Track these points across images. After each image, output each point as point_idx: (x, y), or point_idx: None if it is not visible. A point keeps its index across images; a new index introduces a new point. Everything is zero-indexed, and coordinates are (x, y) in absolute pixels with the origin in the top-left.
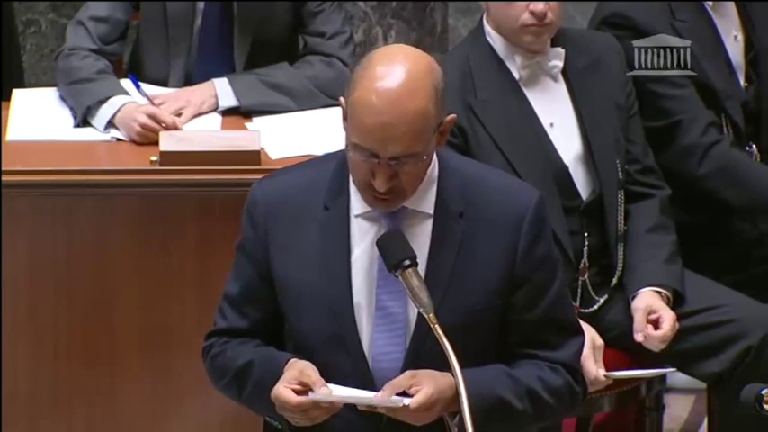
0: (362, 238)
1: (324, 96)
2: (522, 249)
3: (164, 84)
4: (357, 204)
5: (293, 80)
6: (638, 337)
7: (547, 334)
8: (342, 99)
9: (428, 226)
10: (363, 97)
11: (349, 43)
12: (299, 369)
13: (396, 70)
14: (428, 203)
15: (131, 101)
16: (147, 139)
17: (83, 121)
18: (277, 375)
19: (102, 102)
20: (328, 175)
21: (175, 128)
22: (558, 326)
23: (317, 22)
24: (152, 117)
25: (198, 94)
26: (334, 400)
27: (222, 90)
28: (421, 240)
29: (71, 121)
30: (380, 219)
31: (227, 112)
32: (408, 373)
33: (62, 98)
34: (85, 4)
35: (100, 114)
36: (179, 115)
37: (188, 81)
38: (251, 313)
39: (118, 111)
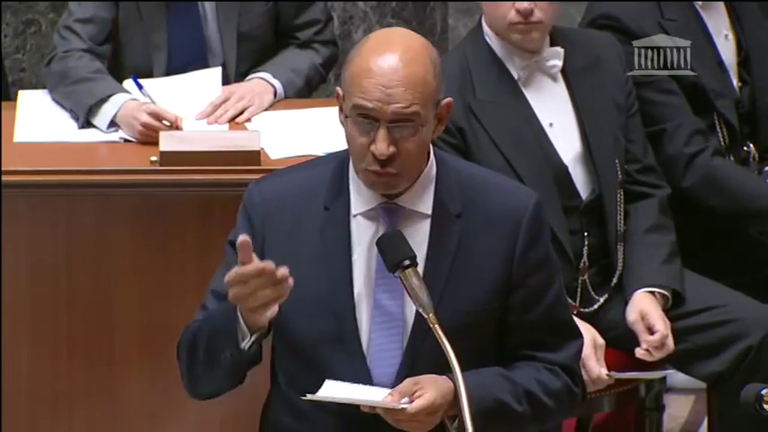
0: (362, 237)
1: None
2: (520, 251)
3: (148, 75)
4: (357, 203)
5: (311, 69)
6: (640, 353)
7: (545, 336)
8: (338, 89)
9: (426, 226)
10: (362, 64)
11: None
12: None
13: (393, 42)
14: (426, 204)
15: (132, 98)
16: (148, 137)
17: (86, 121)
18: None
19: (104, 100)
20: (327, 175)
21: (177, 126)
22: (557, 328)
23: (306, 15)
24: (153, 115)
25: (261, 93)
26: (333, 401)
27: (277, 86)
28: (419, 241)
29: (74, 122)
30: (379, 218)
31: None
32: (412, 379)
33: (56, 101)
34: (67, 9)
35: (102, 113)
36: (241, 113)
37: (168, 72)
38: None
39: (120, 109)
